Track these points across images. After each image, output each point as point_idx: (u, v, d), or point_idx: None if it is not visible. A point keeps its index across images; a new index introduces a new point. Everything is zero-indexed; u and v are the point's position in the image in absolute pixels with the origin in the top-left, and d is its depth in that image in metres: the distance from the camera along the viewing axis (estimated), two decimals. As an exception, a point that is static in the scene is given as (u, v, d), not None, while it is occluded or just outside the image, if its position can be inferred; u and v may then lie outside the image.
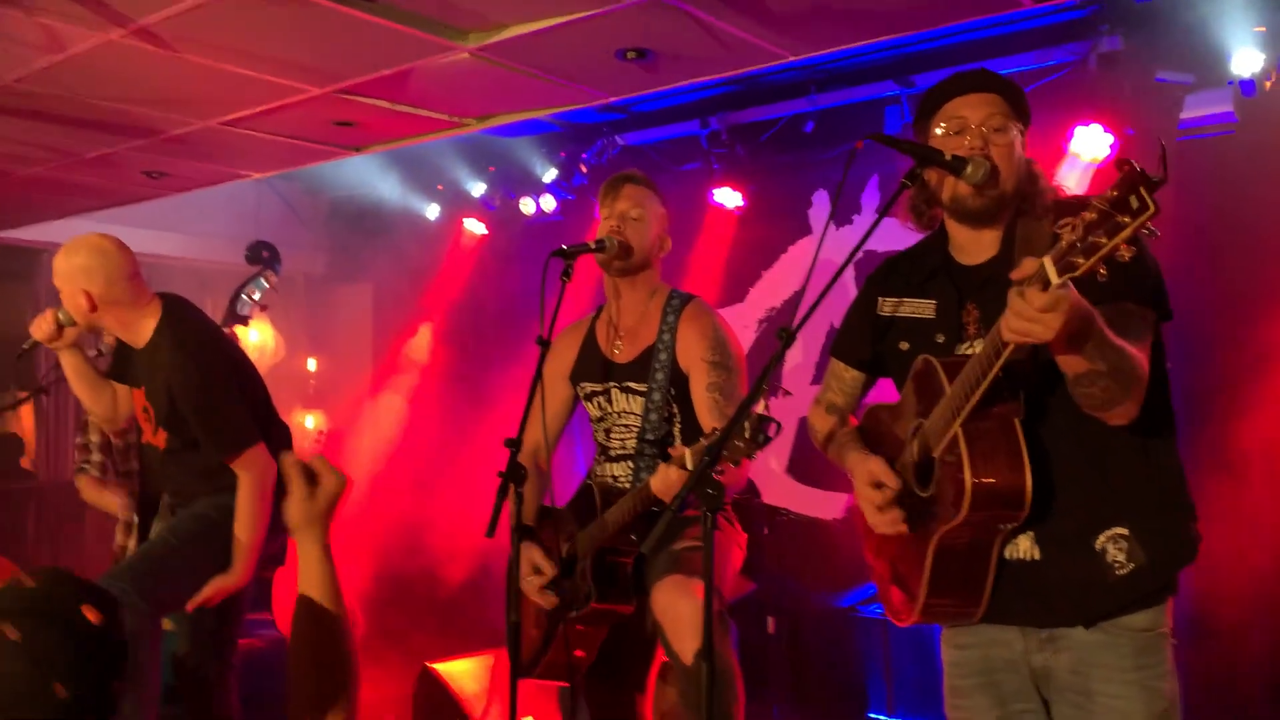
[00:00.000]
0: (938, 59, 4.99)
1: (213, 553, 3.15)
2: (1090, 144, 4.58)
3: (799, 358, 5.46)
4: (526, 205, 6.44)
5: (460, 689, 4.46)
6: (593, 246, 2.83)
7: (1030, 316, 1.62)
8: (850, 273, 5.62)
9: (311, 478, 1.69)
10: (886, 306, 2.17)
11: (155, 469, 3.39)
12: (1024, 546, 1.97)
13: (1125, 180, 1.47)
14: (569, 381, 3.01)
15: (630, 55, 3.24)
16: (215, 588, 3.12)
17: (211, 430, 3.08)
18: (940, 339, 2.05)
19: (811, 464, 5.48)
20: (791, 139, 5.40)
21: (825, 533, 5.40)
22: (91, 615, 1.32)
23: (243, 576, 3.16)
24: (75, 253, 3.10)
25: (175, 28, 3.05)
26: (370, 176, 7.07)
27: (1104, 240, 1.49)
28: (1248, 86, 4.23)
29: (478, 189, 6.71)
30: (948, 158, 2.05)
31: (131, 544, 4.22)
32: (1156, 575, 1.91)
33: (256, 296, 4.26)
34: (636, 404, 2.83)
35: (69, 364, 3.30)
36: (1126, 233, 1.47)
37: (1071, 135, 4.60)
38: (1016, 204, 2.03)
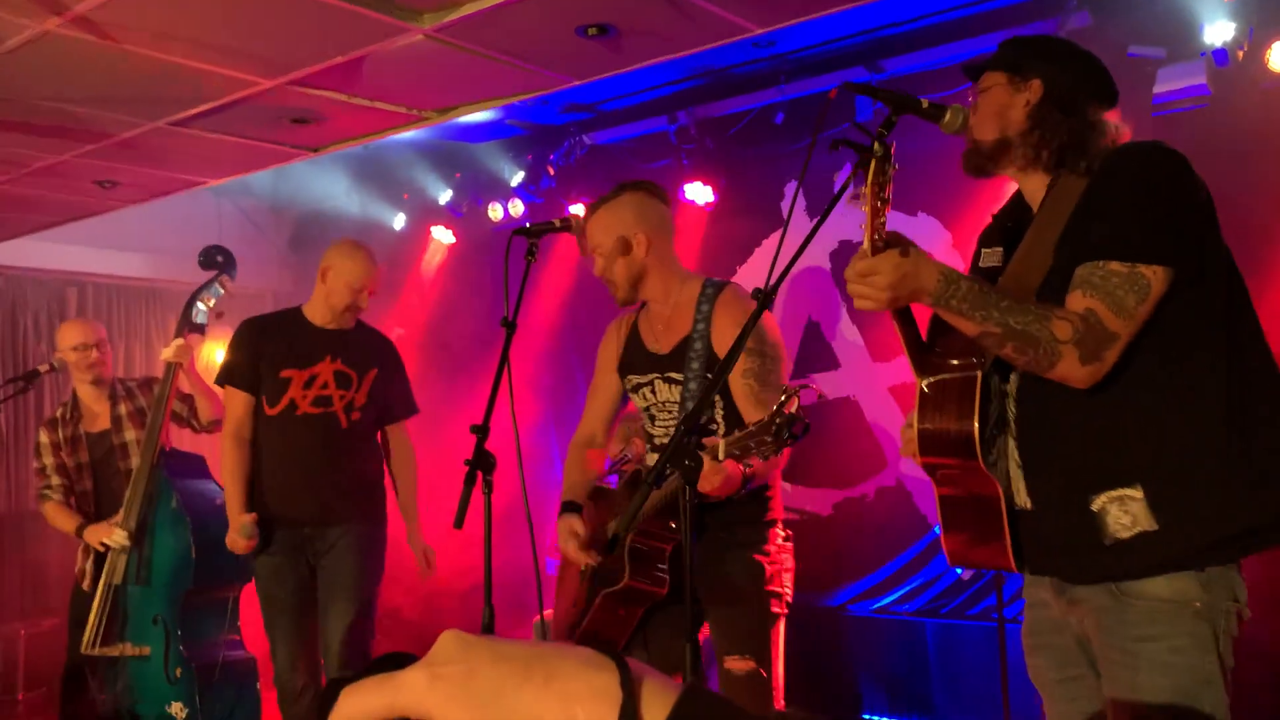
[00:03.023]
0: (907, 43, 4.93)
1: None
2: (1064, 122, 4.52)
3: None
4: (494, 211, 6.33)
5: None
6: (557, 225, 2.76)
7: (853, 279, 1.84)
8: (828, 264, 5.47)
9: None
10: (981, 256, 2.20)
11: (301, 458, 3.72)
12: (1020, 495, 1.97)
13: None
14: (617, 374, 3.03)
15: (591, 32, 3.12)
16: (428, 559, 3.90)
17: (407, 387, 3.97)
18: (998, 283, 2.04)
19: (799, 461, 5.35)
20: (762, 131, 5.32)
21: (814, 531, 5.28)
22: None
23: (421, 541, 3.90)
24: (361, 249, 3.83)
25: (114, 14, 2.92)
26: (334, 189, 6.95)
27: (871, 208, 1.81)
28: (1220, 56, 4.18)
29: (444, 196, 6.59)
30: (924, 105, 2.10)
31: (89, 566, 4.07)
32: (1173, 543, 1.79)
33: (212, 304, 4.10)
34: (676, 392, 2.84)
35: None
36: (867, 189, 1.81)
37: (1044, 113, 4.54)
38: (1047, 154, 2.01)
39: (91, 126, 3.93)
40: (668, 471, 1.98)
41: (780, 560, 2.79)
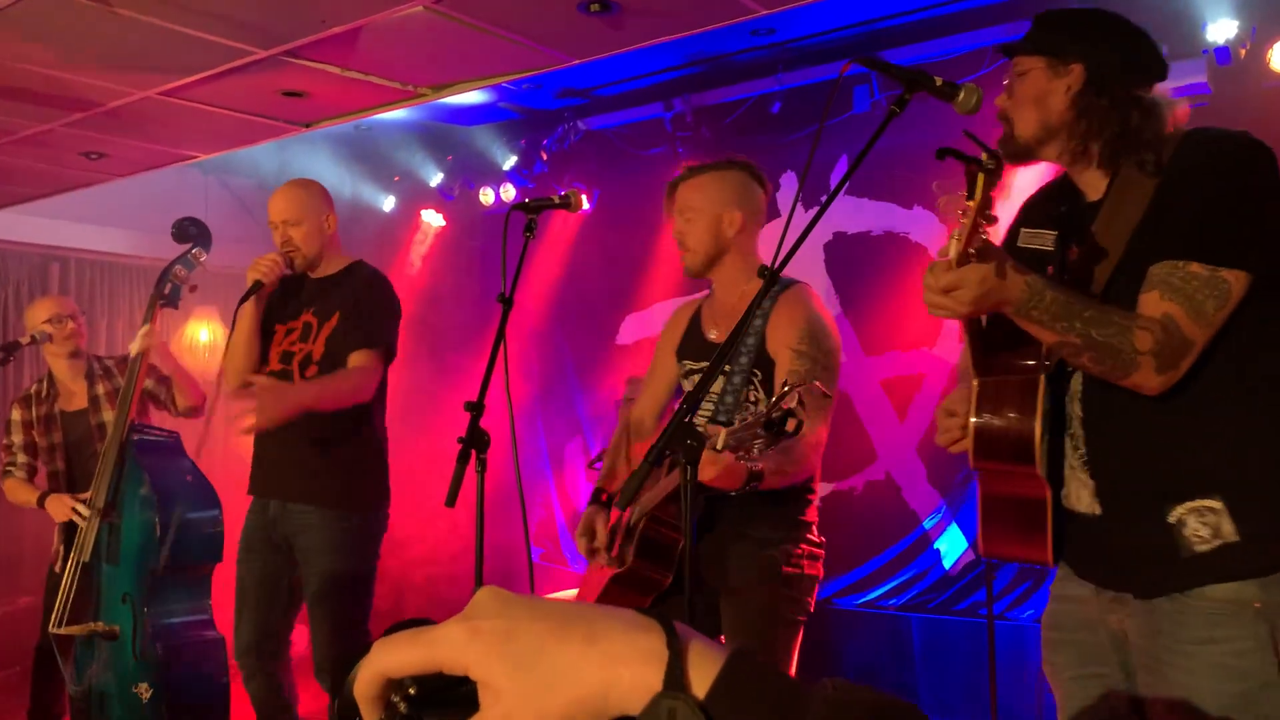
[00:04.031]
0: (905, 35, 4.90)
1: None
2: (1064, 117, 4.50)
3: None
4: (486, 195, 6.27)
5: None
6: (557, 201, 2.71)
7: (935, 290, 1.73)
8: (821, 255, 5.41)
9: None
10: (1021, 237, 2.06)
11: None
12: (1085, 500, 1.87)
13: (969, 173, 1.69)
14: (675, 358, 2.93)
15: (594, 8, 3.07)
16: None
17: (373, 319, 3.41)
18: (1050, 271, 1.93)
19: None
20: (758, 120, 5.29)
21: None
22: None
23: (282, 403, 3.20)
24: (309, 186, 3.55)
25: (106, -25, 2.85)
26: (323, 169, 6.87)
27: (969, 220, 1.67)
28: (1222, 54, 4.16)
29: (435, 179, 6.53)
30: (938, 83, 2.01)
31: (62, 548, 4.00)
32: (1252, 555, 1.72)
33: (185, 277, 3.99)
34: (723, 384, 2.76)
35: (254, 311, 3.45)
36: (975, 203, 1.66)
37: (1044, 108, 4.52)
38: (1097, 147, 1.90)
39: (79, 94, 3.85)
40: (668, 452, 1.94)
41: (802, 565, 2.66)
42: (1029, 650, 4.49)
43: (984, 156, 1.69)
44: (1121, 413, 1.81)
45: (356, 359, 3.33)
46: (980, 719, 4.46)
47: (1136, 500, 1.80)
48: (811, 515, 2.71)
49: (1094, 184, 1.95)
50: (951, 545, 4.95)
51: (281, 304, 3.51)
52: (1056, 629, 1.98)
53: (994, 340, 1.91)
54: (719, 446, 2.13)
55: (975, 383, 1.89)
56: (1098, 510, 1.85)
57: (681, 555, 2.63)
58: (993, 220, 1.71)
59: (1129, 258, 1.82)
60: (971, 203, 1.67)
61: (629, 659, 0.56)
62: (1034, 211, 2.09)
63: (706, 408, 2.76)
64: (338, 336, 3.38)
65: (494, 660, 0.56)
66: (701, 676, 0.56)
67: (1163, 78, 1.93)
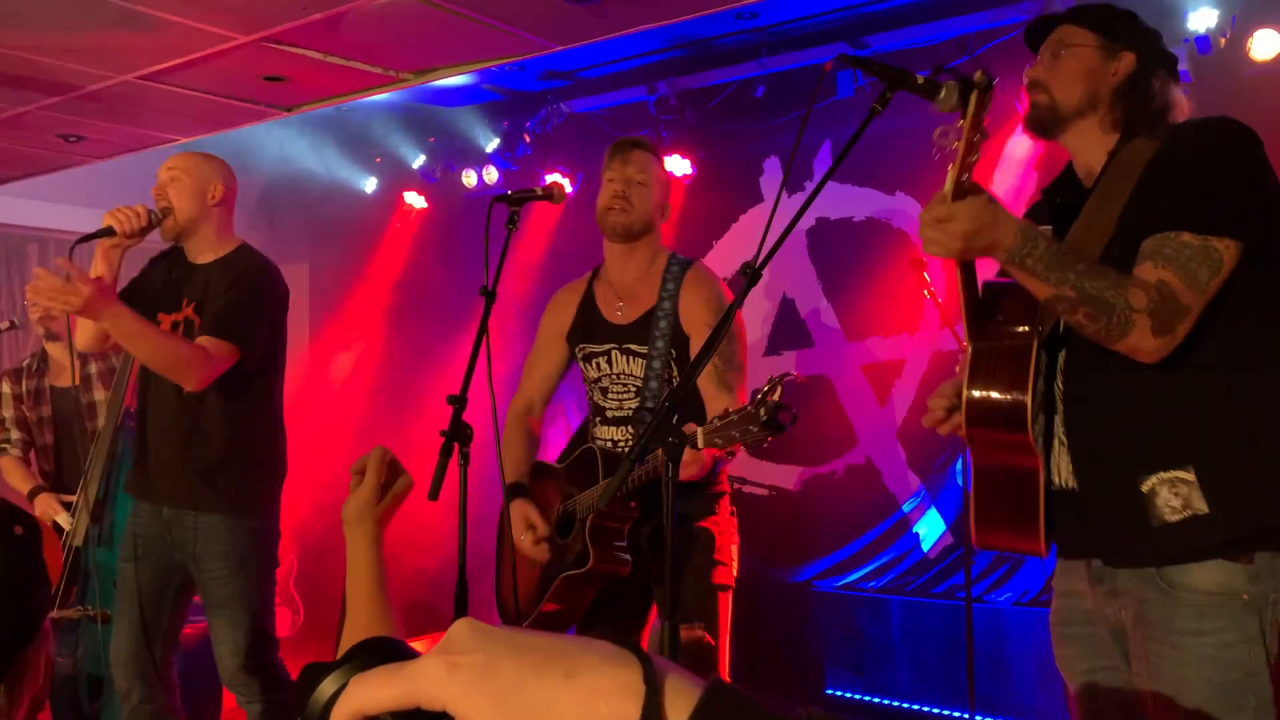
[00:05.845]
0: (890, 20, 4.90)
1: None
2: (1045, 104, 4.52)
3: (755, 332, 5.34)
4: (469, 177, 6.25)
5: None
6: (539, 193, 2.71)
7: (928, 224, 1.77)
8: (804, 241, 5.41)
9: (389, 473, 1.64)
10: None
11: (160, 423, 3.22)
12: (1064, 472, 1.91)
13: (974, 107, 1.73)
14: (565, 341, 2.98)
15: (578, -5, 3.07)
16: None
17: (232, 315, 3.10)
18: None
19: (765, 437, 5.35)
20: (742, 104, 5.28)
21: (781, 505, 5.29)
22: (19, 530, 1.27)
23: (92, 299, 2.83)
24: (206, 155, 3.33)
25: (84, -39, 2.82)
26: (304, 150, 6.82)
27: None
28: (1203, 44, 4.18)
29: (417, 161, 6.50)
30: (920, 81, 1.99)
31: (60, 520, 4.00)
32: (1222, 528, 1.74)
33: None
34: (637, 365, 2.81)
35: (107, 261, 3.17)
36: (968, 120, 1.70)
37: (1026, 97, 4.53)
38: (1137, 121, 1.94)
39: (58, 77, 3.81)
40: (651, 449, 1.95)
41: (728, 532, 2.78)
42: (1006, 633, 4.55)
43: (978, 75, 1.73)
44: (1102, 383, 1.84)
45: (204, 340, 3.04)
46: (957, 700, 4.52)
47: (1112, 470, 1.83)
48: (724, 482, 2.82)
49: (1093, 165, 1.99)
50: (930, 529, 5.00)
51: (161, 290, 3.28)
52: (1063, 624, 2.00)
53: (991, 307, 1.93)
54: (700, 445, 2.17)
55: (969, 347, 1.92)
56: (1074, 484, 1.88)
57: (634, 543, 2.71)
58: (985, 136, 1.74)
59: (1120, 233, 1.85)
60: (964, 122, 1.70)
61: (608, 692, 0.57)
62: (1038, 207, 2.12)
63: (627, 394, 2.82)
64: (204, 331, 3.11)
65: (474, 695, 0.56)
66: (678, 709, 0.57)
67: (1178, 81, 2.01)
